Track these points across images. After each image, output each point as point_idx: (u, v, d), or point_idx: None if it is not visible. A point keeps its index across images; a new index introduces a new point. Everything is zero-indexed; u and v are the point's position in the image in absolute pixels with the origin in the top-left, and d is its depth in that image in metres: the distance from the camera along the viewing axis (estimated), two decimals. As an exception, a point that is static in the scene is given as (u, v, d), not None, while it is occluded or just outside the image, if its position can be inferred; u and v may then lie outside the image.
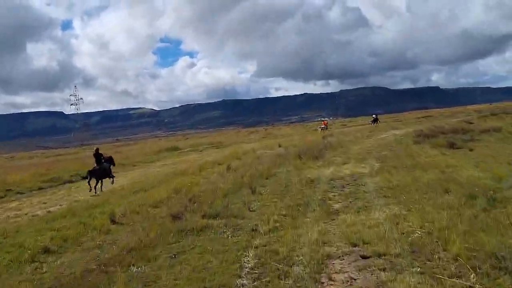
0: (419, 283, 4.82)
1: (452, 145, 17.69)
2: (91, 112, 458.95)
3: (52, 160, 43.77)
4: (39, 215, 11.66)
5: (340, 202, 9.56)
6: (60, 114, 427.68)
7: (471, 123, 32.36)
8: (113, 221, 9.22)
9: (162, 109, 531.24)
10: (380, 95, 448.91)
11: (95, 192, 15.15)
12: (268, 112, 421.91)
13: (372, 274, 5.29)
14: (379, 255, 5.82)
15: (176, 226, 8.07)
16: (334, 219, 8.05)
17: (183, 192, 12.11)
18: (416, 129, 28.99)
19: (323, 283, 5.19)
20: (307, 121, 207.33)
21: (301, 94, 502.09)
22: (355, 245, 6.35)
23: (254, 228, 7.63)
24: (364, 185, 11.29)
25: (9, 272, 6.50)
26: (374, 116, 51.25)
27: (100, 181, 15.96)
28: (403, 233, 6.62)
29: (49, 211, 12.17)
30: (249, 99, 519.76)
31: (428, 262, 5.46)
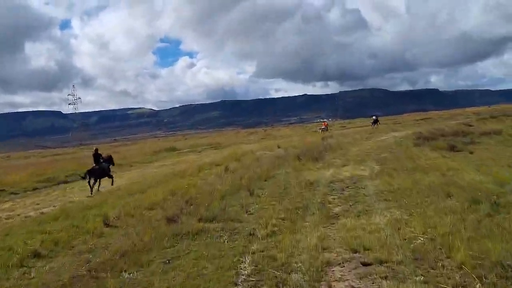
0: (423, 293, 4.62)
1: (452, 148, 17.51)
2: (89, 112, 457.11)
3: (49, 160, 43.49)
4: (32, 217, 11.43)
5: (340, 206, 9.34)
6: (59, 114, 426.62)
7: (470, 125, 32.21)
8: (107, 224, 8.98)
9: (161, 109, 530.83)
10: (379, 97, 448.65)
11: (91, 194, 14.92)
12: (267, 113, 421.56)
13: (373, 283, 5.08)
14: (381, 262, 5.61)
15: (172, 230, 7.84)
16: (333, 224, 7.84)
17: (180, 194, 11.87)
18: (415, 131, 28.83)
19: (322, 292, 4.98)
20: (306, 122, 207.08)
21: (301, 95, 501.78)
22: (355, 251, 6.14)
23: (251, 233, 7.41)
24: (364, 188, 11.07)
25: (-4, 277, 6.26)
26: (374, 117, 51.04)
27: (98, 180, 15.82)
28: (405, 239, 6.41)
29: (42, 213, 11.94)
30: (249, 100, 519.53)
31: (431, 270, 5.25)
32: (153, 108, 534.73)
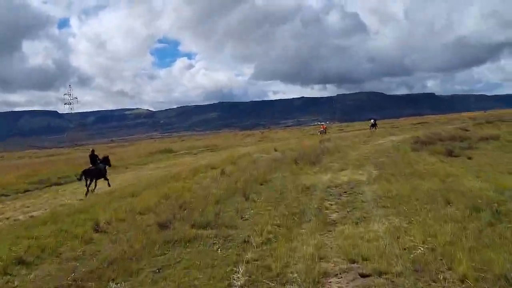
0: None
1: (450, 153, 17.33)
2: (86, 112, 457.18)
3: (43, 160, 43.10)
4: (21, 220, 11.14)
5: (337, 212, 9.12)
6: (55, 114, 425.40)
7: (467, 130, 32.18)
8: (97, 229, 8.69)
9: (159, 110, 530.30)
10: (376, 101, 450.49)
11: (86, 195, 14.84)
12: (265, 115, 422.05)
13: (372, 296, 4.84)
14: (380, 274, 5.38)
15: (163, 236, 7.57)
16: (331, 231, 7.60)
17: (174, 198, 11.59)
18: (413, 136, 28.70)
19: (319, 305, 4.74)
20: (304, 125, 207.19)
21: (299, 97, 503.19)
22: (353, 262, 5.90)
23: (246, 240, 7.16)
24: (362, 194, 10.85)
25: (-22, 286, 5.99)
26: (372, 121, 51.02)
27: (94, 181, 15.76)
28: (405, 249, 6.17)
29: (31, 216, 11.65)
30: (246, 102, 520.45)
31: (432, 283, 5.02)
32: (150, 109, 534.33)
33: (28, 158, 57.00)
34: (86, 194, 14.90)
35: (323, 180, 13.55)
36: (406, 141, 25.92)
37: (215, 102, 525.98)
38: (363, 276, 5.44)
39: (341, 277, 5.46)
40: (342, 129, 71.12)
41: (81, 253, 7.28)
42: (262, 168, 16.99)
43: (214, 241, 7.25)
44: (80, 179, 15.49)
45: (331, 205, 9.88)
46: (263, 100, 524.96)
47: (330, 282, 5.34)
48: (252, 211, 9.58)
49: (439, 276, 5.16)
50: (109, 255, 6.71)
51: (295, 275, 5.48)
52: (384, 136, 35.54)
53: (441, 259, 5.64)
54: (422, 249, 6.07)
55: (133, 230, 8.40)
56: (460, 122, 51.75)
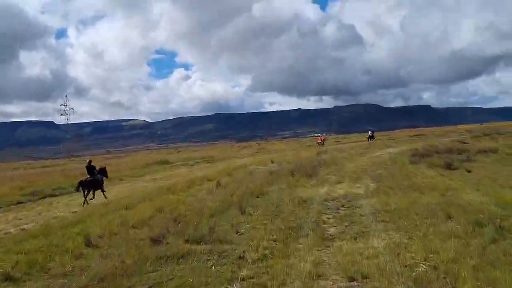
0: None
1: (449, 166, 17.18)
2: (83, 122, 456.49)
3: (38, 171, 42.67)
4: (12, 233, 10.86)
5: (335, 226, 8.90)
6: (51, 124, 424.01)
7: (465, 143, 32.13)
8: (88, 244, 8.43)
9: (155, 121, 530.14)
10: (372, 113, 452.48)
11: (83, 205, 14.84)
12: (261, 126, 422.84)
13: (373, 318, 4.62)
14: (381, 293, 5.16)
15: (156, 252, 7.33)
16: (329, 246, 7.37)
17: (168, 211, 11.35)
18: (410, 148, 28.60)
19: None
20: (300, 137, 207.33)
21: (295, 109, 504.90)
22: (352, 279, 5.68)
23: (241, 256, 6.92)
24: (360, 207, 10.64)
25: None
26: (370, 132, 51.06)
27: (93, 192, 15.69)
28: (406, 266, 5.95)
29: (22, 229, 11.35)
30: (243, 113, 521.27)
31: (436, 304, 4.81)
32: (146, 120, 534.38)
33: (23, 169, 56.42)
34: (83, 204, 14.90)
35: (320, 193, 13.35)
36: (404, 153, 25.78)
37: (211, 113, 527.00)
38: (363, 295, 5.22)
39: (340, 296, 5.24)
40: (339, 141, 71.10)
41: (70, 269, 7.02)
42: (258, 180, 16.78)
43: (208, 257, 7.01)
44: (77, 190, 15.46)
45: (329, 218, 9.68)
46: (259, 112, 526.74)
47: (329, 301, 5.12)
48: (248, 225, 9.35)
49: (442, 296, 4.96)
50: (99, 271, 6.45)
51: (293, 294, 5.26)
52: (381, 148, 35.43)
53: (444, 278, 5.42)
54: (424, 266, 5.85)
55: (125, 244, 8.14)
56: (457, 135, 51.81)
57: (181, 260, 6.91)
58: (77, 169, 35.17)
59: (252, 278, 5.90)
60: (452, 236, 7.01)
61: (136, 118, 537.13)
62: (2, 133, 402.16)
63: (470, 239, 6.84)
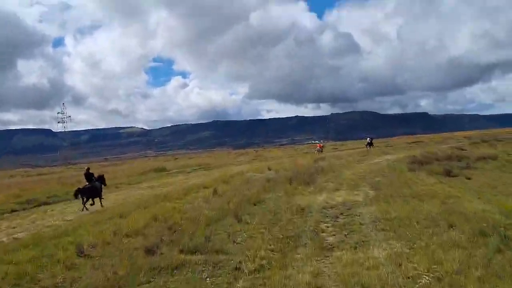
0: None
1: (448, 173, 17.02)
2: (80, 130, 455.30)
3: (34, 179, 42.31)
4: (4, 243, 10.57)
5: (334, 235, 8.68)
6: (49, 132, 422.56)
7: (463, 149, 32.00)
8: (81, 253, 8.19)
9: (153, 128, 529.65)
10: (369, 120, 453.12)
11: (82, 211, 14.90)
12: (259, 134, 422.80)
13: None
14: (383, 306, 4.94)
15: (150, 262, 7.10)
16: (328, 256, 7.15)
17: (163, 220, 11.11)
18: (409, 155, 28.41)
19: None
20: (298, 144, 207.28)
21: (293, 116, 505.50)
22: (353, 292, 5.46)
23: (237, 267, 6.70)
24: (359, 216, 10.43)
25: None
26: (368, 139, 50.90)
27: (91, 200, 15.58)
28: (408, 277, 5.74)
29: (15, 238, 11.07)
30: (241, 121, 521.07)
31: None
32: (144, 128, 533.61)
33: (20, 176, 56.01)
34: (82, 210, 14.98)
35: (318, 200, 13.14)
36: (402, 160, 25.60)
37: (209, 120, 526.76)
38: (364, 308, 5.01)
39: (341, 310, 5.02)
40: (336, 148, 70.88)
41: (61, 280, 6.79)
42: (255, 187, 16.56)
43: (203, 268, 6.78)
44: (76, 197, 15.40)
45: (328, 227, 9.47)
46: (257, 119, 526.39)
47: (329, 315, 4.90)
48: (244, 234, 9.13)
49: (447, 309, 4.75)
50: (90, 283, 6.24)
51: (291, 307, 5.04)
52: (379, 155, 35.25)
53: (449, 290, 5.23)
54: (427, 278, 5.65)
55: (118, 254, 7.92)
56: (455, 142, 51.72)
57: (175, 271, 6.70)
58: (74, 176, 34.86)
59: (249, 290, 5.68)
60: (455, 246, 6.81)
61: (133, 125, 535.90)
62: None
63: (474, 249, 6.64)
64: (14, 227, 13.12)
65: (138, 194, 20.57)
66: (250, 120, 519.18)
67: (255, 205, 12.94)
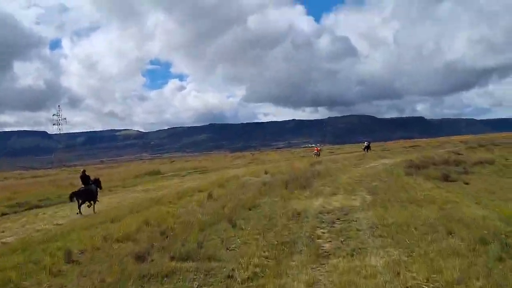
0: None
1: (446, 178, 16.85)
2: (76, 132, 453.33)
3: (27, 182, 41.92)
4: (-8, 247, 10.29)
5: (331, 242, 8.46)
6: (44, 134, 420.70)
7: (460, 154, 31.88)
8: (69, 260, 7.94)
9: (149, 131, 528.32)
10: (366, 124, 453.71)
11: (77, 214, 14.87)
12: (256, 137, 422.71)
13: None
14: (381, 318, 4.72)
15: (139, 269, 6.85)
16: (324, 264, 6.93)
17: (156, 224, 10.87)
18: (406, 159, 28.26)
19: None
20: (295, 147, 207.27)
21: (290, 120, 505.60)
22: (350, 302, 5.24)
23: (230, 275, 6.46)
24: (356, 221, 10.20)
25: None
26: (366, 143, 50.79)
27: (87, 202, 15.58)
28: (407, 287, 5.52)
29: (3, 242, 10.81)
30: (237, 124, 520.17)
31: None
32: (140, 130, 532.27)
33: (14, 179, 55.54)
34: (77, 213, 14.95)
35: (315, 205, 12.92)
36: (399, 164, 25.41)
37: (206, 123, 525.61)
38: (361, 320, 4.78)
39: (337, 322, 4.80)
40: (333, 152, 70.70)
41: (46, 287, 6.53)
42: (251, 192, 16.34)
43: (195, 276, 6.54)
44: (71, 200, 15.35)
45: (324, 233, 9.24)
46: (254, 122, 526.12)
47: (324, 327, 4.67)
48: (238, 240, 8.89)
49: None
50: (76, 292, 5.98)
51: (285, 319, 4.81)
52: (375, 159, 35.06)
53: (449, 300, 5.01)
54: None
55: (108, 260, 7.67)
56: (452, 146, 51.65)
57: (165, 279, 6.45)
58: (68, 179, 34.53)
59: (241, 300, 5.45)
60: (455, 253, 6.61)
61: (130, 128, 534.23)
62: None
63: (475, 257, 6.43)
64: (3, 231, 12.87)
65: (132, 198, 20.31)
66: (247, 123, 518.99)
67: (250, 209, 12.71)
